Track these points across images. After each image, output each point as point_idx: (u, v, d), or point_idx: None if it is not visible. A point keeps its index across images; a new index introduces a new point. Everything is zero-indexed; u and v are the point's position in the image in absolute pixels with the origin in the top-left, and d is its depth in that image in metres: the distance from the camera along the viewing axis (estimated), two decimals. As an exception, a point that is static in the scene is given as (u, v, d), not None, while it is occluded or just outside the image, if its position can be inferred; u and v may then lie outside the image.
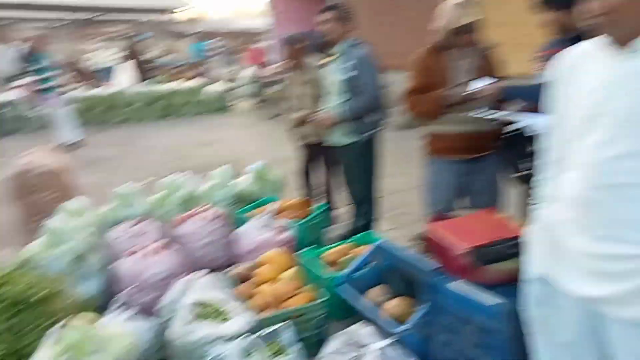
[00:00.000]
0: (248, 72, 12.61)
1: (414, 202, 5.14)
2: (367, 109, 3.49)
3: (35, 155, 3.67)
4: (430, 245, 2.21)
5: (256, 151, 7.74)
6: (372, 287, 2.85)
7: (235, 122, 10.46)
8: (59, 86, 8.15)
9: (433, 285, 2.21)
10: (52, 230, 2.94)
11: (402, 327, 2.37)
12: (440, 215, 2.46)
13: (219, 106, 11.76)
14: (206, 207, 3.64)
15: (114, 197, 3.65)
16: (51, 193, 3.65)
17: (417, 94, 2.94)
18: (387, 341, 2.24)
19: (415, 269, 2.68)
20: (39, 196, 3.58)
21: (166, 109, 11.02)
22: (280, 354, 2.20)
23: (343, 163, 3.75)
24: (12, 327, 2.21)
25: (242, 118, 11.01)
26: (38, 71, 7.78)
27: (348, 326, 2.85)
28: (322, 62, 3.84)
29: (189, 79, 12.28)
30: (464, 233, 2.12)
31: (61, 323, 1.98)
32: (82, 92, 10.23)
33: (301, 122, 4.25)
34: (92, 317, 2.39)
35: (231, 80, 13.43)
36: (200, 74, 14.68)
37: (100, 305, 2.97)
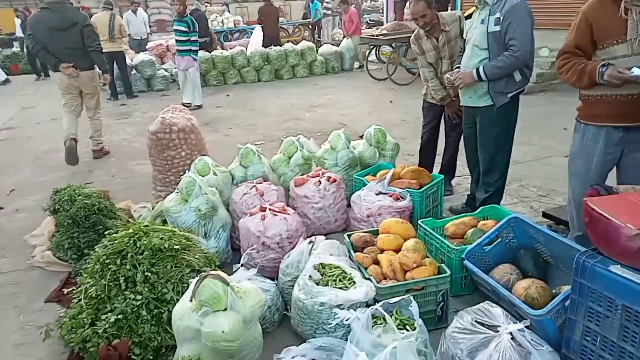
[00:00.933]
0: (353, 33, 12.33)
1: (537, 175, 4.71)
2: (513, 68, 3.11)
3: (170, 114, 3.90)
4: (588, 221, 1.94)
5: (368, 114, 7.62)
6: (498, 265, 2.65)
7: (347, 84, 10.34)
8: (195, 49, 8.33)
9: (584, 267, 1.95)
10: (184, 187, 3.11)
11: (539, 312, 2.16)
12: (596, 191, 2.14)
13: (330, 68, 11.71)
14: (321, 170, 3.63)
15: (235, 158, 3.78)
16: (184, 150, 3.87)
17: (572, 55, 2.55)
18: (520, 325, 2.05)
19: (563, 247, 2.42)
20: (174, 152, 3.81)
21: (279, 71, 11.24)
22: (404, 326, 2.12)
23: (477, 126, 3.42)
24: (150, 277, 2.39)
25: (353, 80, 10.86)
26: (179, 33, 8.10)
27: (468, 303, 2.71)
28: (467, 12, 3.46)
29: (300, 40, 12.32)
30: (632, 212, 1.82)
31: (198, 277, 2.08)
32: (202, 53, 10.74)
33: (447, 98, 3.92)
34: (224, 273, 2.50)
35: (338, 42, 13.25)
36: (312, 35, 14.70)
37: (222, 261, 3.15)
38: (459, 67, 3.40)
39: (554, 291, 2.40)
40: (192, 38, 8.16)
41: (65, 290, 2.82)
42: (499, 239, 2.75)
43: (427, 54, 3.93)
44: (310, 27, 16.22)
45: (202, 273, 2.10)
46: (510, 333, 2.01)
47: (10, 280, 3.24)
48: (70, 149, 5.28)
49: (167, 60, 11.96)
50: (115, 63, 9.40)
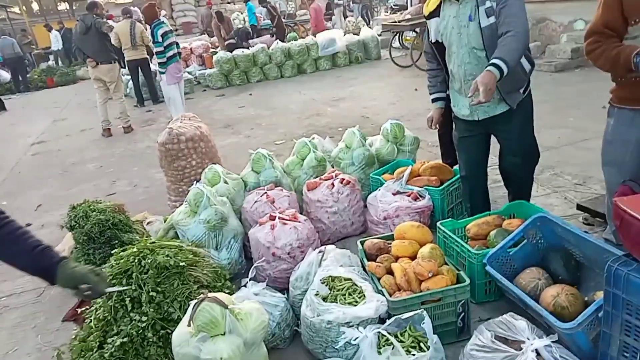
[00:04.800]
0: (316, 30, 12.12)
1: (572, 161, 4.36)
2: (525, 45, 2.51)
3: (178, 124, 3.85)
4: (619, 224, 1.71)
5: (392, 104, 7.37)
6: (525, 269, 2.44)
7: (371, 74, 10.09)
8: (161, 62, 6.82)
9: (617, 276, 1.73)
10: (192, 198, 3.04)
11: (568, 325, 1.95)
12: (629, 188, 1.90)
13: (353, 58, 11.46)
14: (336, 172, 3.48)
15: (248, 163, 3.68)
16: (195, 159, 3.82)
17: (601, 37, 2.28)
18: (546, 340, 1.86)
19: (595, 248, 2.19)
20: (184, 162, 3.76)
21: (302, 65, 11.12)
22: (418, 344, 1.96)
23: (500, 137, 2.92)
24: (155, 297, 2.32)
25: (377, 69, 10.59)
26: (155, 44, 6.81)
27: (494, 311, 2.51)
28: (427, 8, 2.84)
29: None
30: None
31: (199, 298, 2.00)
32: (224, 53, 10.77)
33: None
34: (228, 292, 2.41)
35: (357, 31, 12.95)
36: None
37: (235, 273, 3.06)
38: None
39: (586, 298, 2.18)
40: (156, 50, 6.84)
41: (79, 310, 2.81)
42: (525, 240, 2.52)
43: None
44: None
45: (200, 296, 2.00)
46: (536, 350, 1.83)
47: (31, 299, 3.28)
48: (106, 133, 7.72)
49: (191, 64, 12.04)
50: (140, 70, 9.53)
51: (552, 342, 1.86)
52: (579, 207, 3.29)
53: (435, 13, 2.82)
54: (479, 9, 2.54)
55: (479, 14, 2.55)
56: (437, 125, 3.37)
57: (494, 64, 2.38)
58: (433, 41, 2.91)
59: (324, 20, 12.98)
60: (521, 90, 2.73)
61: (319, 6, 12.83)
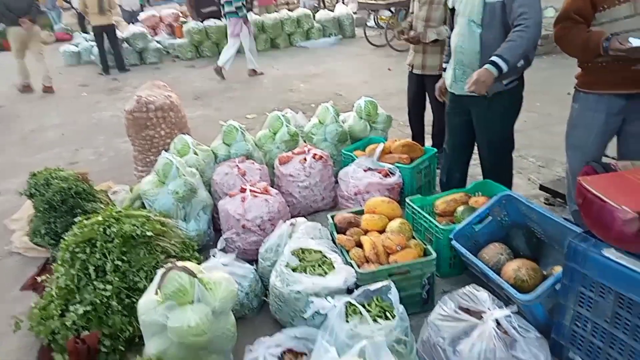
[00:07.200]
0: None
1: (536, 144, 4.49)
2: (530, 47, 2.52)
3: (147, 92, 3.73)
4: (581, 203, 1.78)
5: (365, 83, 7.36)
6: (488, 244, 2.52)
7: (345, 52, 10.02)
8: (227, 13, 7.91)
9: (577, 251, 1.81)
10: (160, 169, 2.97)
11: (527, 296, 2.03)
12: (591, 169, 1.97)
13: (327, 35, 11.32)
14: (308, 147, 3.46)
15: (219, 135, 3.62)
16: (164, 128, 3.71)
17: (571, 23, 2.33)
18: (506, 311, 1.93)
19: (557, 226, 2.28)
20: (152, 132, 3.66)
21: (275, 40, 10.91)
22: (384, 314, 2.00)
23: (472, 116, 2.90)
24: (121, 266, 2.28)
25: (351, 47, 10.52)
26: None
27: (457, 284, 2.59)
28: None
29: (294, 7, 11.92)
30: (629, 193, 1.66)
31: (166, 266, 1.97)
32: (195, 23, 10.45)
33: (414, 41, 3.72)
34: (196, 262, 2.38)
35: (331, 8, 12.79)
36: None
37: (203, 244, 3.03)
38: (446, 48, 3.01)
39: (545, 272, 2.28)
40: None
41: (39, 279, 2.73)
42: (490, 217, 2.60)
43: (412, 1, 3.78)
44: None
45: (168, 264, 1.98)
46: (496, 320, 1.90)
47: (-12, 267, 3.16)
48: (26, 90, 8.33)
49: (160, 32, 11.62)
50: (105, 37, 9.14)
51: (512, 312, 1.94)
52: (542, 187, 3.40)
53: None
54: None
55: None
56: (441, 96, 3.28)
57: (493, 62, 2.44)
58: (450, 7, 2.88)
59: None
60: (504, 82, 2.66)
61: None
